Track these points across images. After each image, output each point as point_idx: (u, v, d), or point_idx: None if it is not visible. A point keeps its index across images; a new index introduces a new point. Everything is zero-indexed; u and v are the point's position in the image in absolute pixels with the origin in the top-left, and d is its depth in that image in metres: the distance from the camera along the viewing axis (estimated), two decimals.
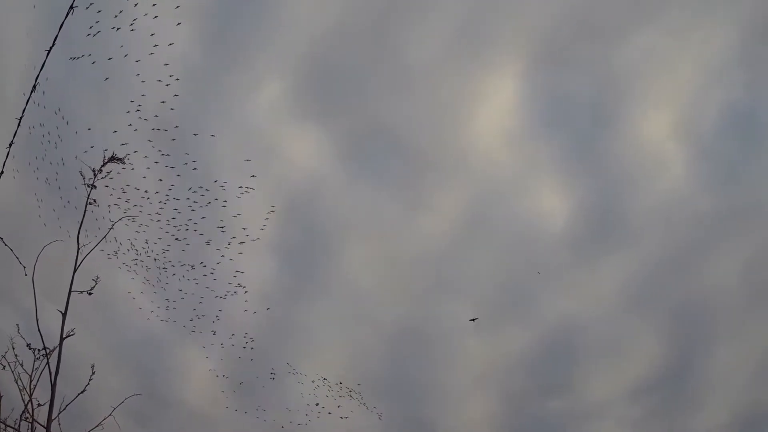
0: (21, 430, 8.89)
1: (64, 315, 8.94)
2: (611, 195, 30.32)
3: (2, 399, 9.23)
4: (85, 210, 8.69)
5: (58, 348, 8.91)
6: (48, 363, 8.90)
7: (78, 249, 8.72)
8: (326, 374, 27.36)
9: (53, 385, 8.80)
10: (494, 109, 30.36)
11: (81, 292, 8.92)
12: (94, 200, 8.67)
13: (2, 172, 7.93)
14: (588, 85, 29.74)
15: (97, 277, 8.90)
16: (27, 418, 8.97)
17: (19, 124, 7.94)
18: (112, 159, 8.64)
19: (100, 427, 9.13)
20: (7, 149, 7.88)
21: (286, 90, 29.37)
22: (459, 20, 29.06)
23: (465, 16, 29.07)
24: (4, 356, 9.14)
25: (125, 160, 8.68)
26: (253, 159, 28.20)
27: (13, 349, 9.19)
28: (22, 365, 9.11)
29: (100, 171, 8.68)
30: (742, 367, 30.00)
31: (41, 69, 7.72)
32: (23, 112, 7.84)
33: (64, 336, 8.89)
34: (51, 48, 7.63)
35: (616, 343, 30.03)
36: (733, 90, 28.85)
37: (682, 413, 30.13)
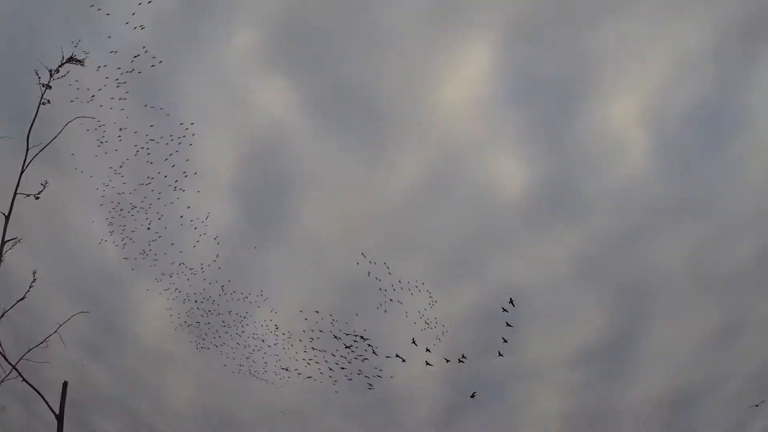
0: None
1: (7, 217, 8.65)
2: (570, 172, 30.90)
3: None
4: (38, 110, 8.40)
5: None
6: None
7: (27, 150, 8.45)
8: (279, 321, 27.65)
9: None
10: (464, 77, 30.40)
11: (27, 195, 8.66)
12: (48, 101, 8.41)
13: None
14: (559, 64, 29.98)
15: (46, 182, 8.64)
16: None
17: None
18: (71, 60, 8.36)
19: (44, 344, 8.93)
20: None
21: (259, 41, 28.92)
22: None
23: None
24: None
25: (84, 62, 8.42)
26: (221, 105, 27.90)
27: None
28: None
29: (57, 71, 8.39)
30: (677, 347, 31.35)
31: None
32: None
33: (5, 240, 8.62)
34: None
35: (560, 310, 31.01)
36: (703, 85, 29.32)
37: (617, 384, 31.49)
